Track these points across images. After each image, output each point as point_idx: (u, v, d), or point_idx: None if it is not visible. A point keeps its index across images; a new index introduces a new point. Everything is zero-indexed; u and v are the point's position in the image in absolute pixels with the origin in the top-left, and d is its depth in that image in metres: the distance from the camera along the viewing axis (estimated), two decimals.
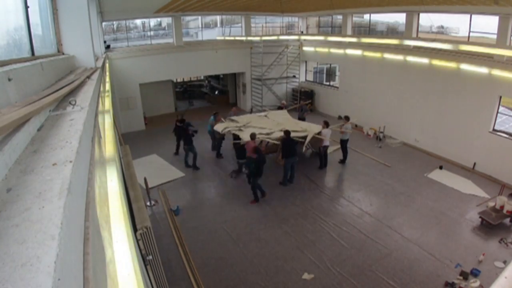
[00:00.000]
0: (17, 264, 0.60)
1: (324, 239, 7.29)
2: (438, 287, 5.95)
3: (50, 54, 3.28)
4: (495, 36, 9.61)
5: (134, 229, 3.78)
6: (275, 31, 19.24)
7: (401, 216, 8.14)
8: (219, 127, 10.75)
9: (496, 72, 9.49)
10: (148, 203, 8.35)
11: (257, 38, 16.04)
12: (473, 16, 10.23)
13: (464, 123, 10.65)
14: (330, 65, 18.05)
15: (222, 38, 16.90)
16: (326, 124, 10.36)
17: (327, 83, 18.24)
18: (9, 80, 1.42)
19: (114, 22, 17.00)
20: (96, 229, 1.22)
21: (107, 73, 8.76)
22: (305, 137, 10.01)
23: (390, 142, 12.88)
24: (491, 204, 7.90)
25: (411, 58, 12.08)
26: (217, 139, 11.50)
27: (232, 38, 16.49)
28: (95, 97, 2.49)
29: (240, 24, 17.86)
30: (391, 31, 15.71)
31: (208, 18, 21.10)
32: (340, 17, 15.99)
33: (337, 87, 16.75)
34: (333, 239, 7.27)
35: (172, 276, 6.12)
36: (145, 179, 8.23)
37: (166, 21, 18.97)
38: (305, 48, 17.89)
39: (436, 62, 11.19)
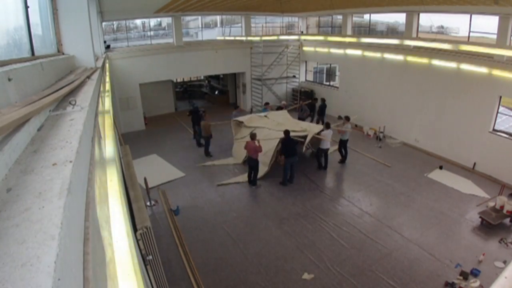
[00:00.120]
0: (17, 264, 0.60)
1: (324, 239, 7.29)
2: (438, 287, 5.95)
3: (50, 54, 3.28)
4: (495, 36, 9.61)
5: (134, 229, 3.78)
6: (275, 31, 19.24)
7: (401, 216, 8.15)
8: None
9: (496, 72, 9.50)
10: (148, 203, 8.35)
11: (257, 38, 16.04)
12: (473, 16, 10.24)
13: (464, 123, 10.65)
14: (330, 65, 18.05)
15: (222, 38, 16.91)
16: (327, 126, 10.27)
17: (327, 83, 18.24)
18: (9, 80, 1.42)
19: (114, 22, 17.00)
20: (96, 229, 1.22)
21: (107, 73, 8.76)
22: (305, 137, 10.01)
23: (390, 142, 12.88)
24: (491, 204, 7.91)
25: (411, 58, 12.09)
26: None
27: (232, 38, 16.50)
28: (95, 97, 2.49)
29: (240, 24, 17.87)
30: (391, 31, 15.71)
31: (208, 18, 21.10)
32: (340, 17, 15.99)
33: (337, 87, 16.75)
34: (333, 239, 7.27)
35: (172, 276, 6.12)
36: (145, 179, 8.23)
37: (166, 21, 18.98)
38: (305, 48, 17.90)
39: (436, 62, 11.19)
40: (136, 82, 14.63)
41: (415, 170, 10.52)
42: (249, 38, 16.23)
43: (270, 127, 10.90)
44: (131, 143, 10.71)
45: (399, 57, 12.48)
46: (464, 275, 6.04)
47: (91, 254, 0.90)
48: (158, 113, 17.11)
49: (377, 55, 13.42)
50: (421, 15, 11.90)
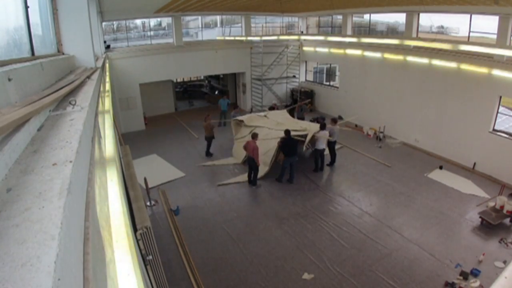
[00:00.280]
0: (17, 264, 0.60)
1: (324, 239, 7.29)
2: (438, 287, 5.95)
3: (50, 54, 3.28)
4: (495, 36, 9.61)
5: (134, 229, 3.78)
6: (275, 31, 19.24)
7: (401, 216, 8.15)
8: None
9: (496, 72, 9.50)
10: (148, 203, 8.36)
11: (257, 38, 16.04)
12: (473, 16, 10.23)
13: (464, 123, 10.65)
14: (330, 65, 18.05)
15: (222, 38, 16.90)
16: (322, 127, 10.14)
17: (327, 83, 18.25)
18: (9, 80, 1.42)
19: (114, 22, 16.99)
20: (96, 229, 1.22)
21: (107, 73, 8.76)
22: (305, 136, 10.00)
23: (390, 142, 12.88)
24: (491, 204, 7.91)
25: (411, 58, 12.09)
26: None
27: (232, 38, 16.50)
28: (95, 97, 2.49)
29: (240, 24, 17.87)
30: (391, 31, 15.72)
31: (208, 18, 21.10)
32: (340, 17, 16.00)
33: (337, 87, 16.75)
34: (333, 239, 7.27)
35: (172, 276, 6.12)
36: (145, 179, 8.23)
37: (166, 21, 18.98)
38: (305, 48, 17.90)
39: (436, 62, 11.19)
40: (136, 82, 14.63)
41: (415, 170, 10.52)
42: (249, 38, 16.22)
43: (270, 127, 10.91)
44: (131, 143, 10.72)
45: (399, 57, 12.48)
46: (464, 275, 6.04)
47: (91, 254, 0.90)
48: (158, 113, 17.11)
49: (377, 55, 13.42)
50: (421, 15, 11.90)
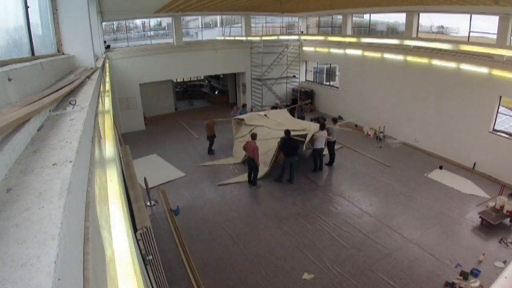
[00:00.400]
0: (17, 264, 0.60)
1: (324, 239, 7.29)
2: (438, 287, 5.95)
3: (50, 54, 3.28)
4: (495, 36, 9.61)
5: (134, 229, 3.78)
6: (275, 31, 19.24)
7: (401, 216, 8.15)
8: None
9: (496, 72, 9.50)
10: (148, 203, 8.35)
11: (257, 38, 16.04)
12: (473, 16, 10.23)
13: (464, 123, 10.65)
14: (330, 65, 18.05)
15: (222, 38, 16.90)
16: (321, 127, 10.09)
17: (327, 83, 18.25)
18: (9, 80, 1.42)
19: (114, 22, 16.99)
20: (96, 229, 1.22)
21: (107, 73, 8.77)
22: (305, 136, 9.99)
23: (390, 142, 12.88)
24: (491, 204, 7.90)
25: (411, 58, 12.09)
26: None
27: (232, 38, 16.50)
28: (95, 97, 2.49)
29: (240, 24, 17.87)
30: (391, 31, 15.71)
31: (208, 18, 21.09)
32: (340, 17, 16.00)
33: (337, 87, 16.75)
34: (333, 239, 7.27)
35: (172, 276, 6.12)
36: (145, 179, 8.23)
37: (166, 21, 18.96)
38: (305, 48, 17.90)
39: (436, 62, 11.19)
40: (136, 82, 14.63)
41: (415, 170, 10.52)
42: (249, 38, 16.22)
43: (270, 126, 10.91)
44: (131, 143, 10.71)
45: (399, 57, 12.48)
46: (464, 275, 6.04)
47: (91, 254, 0.90)
48: (158, 113, 17.11)
49: (377, 55, 13.42)
50: (421, 15, 11.90)
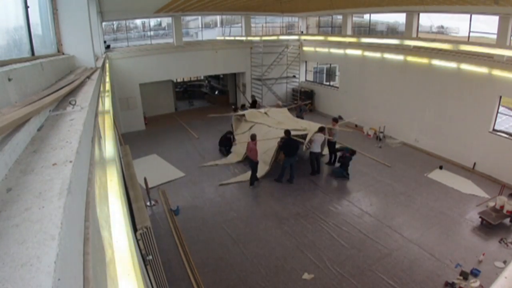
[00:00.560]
0: (17, 264, 0.60)
1: (324, 239, 7.29)
2: (438, 287, 5.95)
3: (50, 54, 3.28)
4: (495, 36, 9.61)
5: (134, 229, 3.78)
6: (275, 31, 19.23)
7: (401, 216, 8.15)
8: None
9: (496, 72, 9.50)
10: (148, 203, 8.35)
11: (257, 38, 16.05)
12: (473, 16, 10.23)
13: (464, 123, 10.65)
14: (330, 65, 18.05)
15: (222, 38, 16.90)
16: (320, 129, 9.92)
17: (327, 83, 18.24)
18: (9, 80, 1.42)
19: (114, 22, 16.99)
20: (96, 229, 1.22)
21: (107, 73, 8.76)
22: (305, 136, 9.98)
23: (390, 142, 12.88)
24: (491, 204, 7.91)
25: (411, 58, 12.08)
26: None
27: (232, 38, 16.49)
28: (95, 97, 2.49)
29: (240, 24, 17.86)
30: (391, 31, 15.71)
31: (208, 18, 21.09)
32: (340, 17, 15.99)
33: (337, 87, 16.75)
34: (333, 239, 7.27)
35: (172, 276, 6.12)
36: (145, 179, 8.23)
37: (166, 21, 18.97)
38: (305, 48, 17.89)
39: (436, 62, 11.19)
40: (136, 82, 14.63)
41: (415, 170, 10.52)
42: (249, 38, 16.22)
43: (270, 125, 10.91)
44: (131, 143, 10.71)
45: (399, 57, 12.47)
46: (464, 275, 6.04)
47: (91, 254, 0.90)
48: (158, 113, 17.10)
49: (377, 55, 13.42)
50: (421, 15, 11.90)
